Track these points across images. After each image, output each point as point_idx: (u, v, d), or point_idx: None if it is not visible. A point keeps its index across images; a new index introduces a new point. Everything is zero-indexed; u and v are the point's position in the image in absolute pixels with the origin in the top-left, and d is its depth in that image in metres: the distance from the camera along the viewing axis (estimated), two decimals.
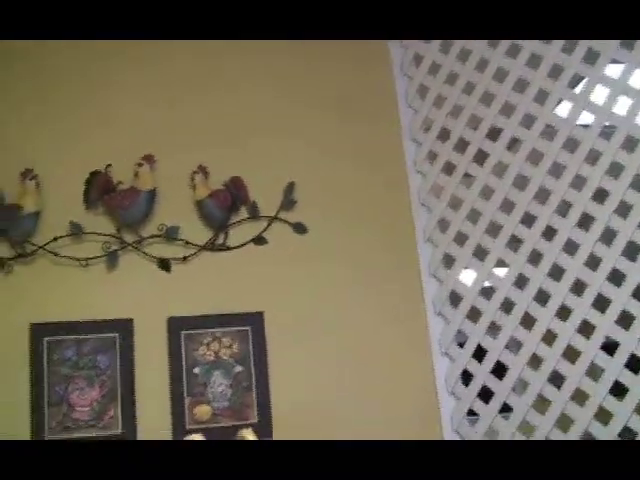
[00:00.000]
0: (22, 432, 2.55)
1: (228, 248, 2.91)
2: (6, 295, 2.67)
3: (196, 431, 2.52)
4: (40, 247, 2.72)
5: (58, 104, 2.90)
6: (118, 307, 2.73)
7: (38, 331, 2.64)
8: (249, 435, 1.53)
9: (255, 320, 2.81)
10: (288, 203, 3.00)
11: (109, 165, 2.85)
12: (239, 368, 2.76)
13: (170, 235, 2.85)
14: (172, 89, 3.03)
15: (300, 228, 2.99)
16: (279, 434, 2.66)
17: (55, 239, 2.73)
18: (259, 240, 2.94)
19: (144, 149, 2.87)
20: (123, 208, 2.81)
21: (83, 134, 2.89)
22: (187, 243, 2.86)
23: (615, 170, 2.58)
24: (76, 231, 2.77)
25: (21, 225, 2.71)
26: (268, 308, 2.84)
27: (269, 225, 2.96)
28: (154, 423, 2.65)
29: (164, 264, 2.82)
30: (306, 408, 2.75)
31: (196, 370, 2.73)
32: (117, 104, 2.95)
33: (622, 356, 2.46)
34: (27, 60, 2.90)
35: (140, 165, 2.85)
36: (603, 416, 2.46)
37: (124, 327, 2.71)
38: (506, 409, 2.67)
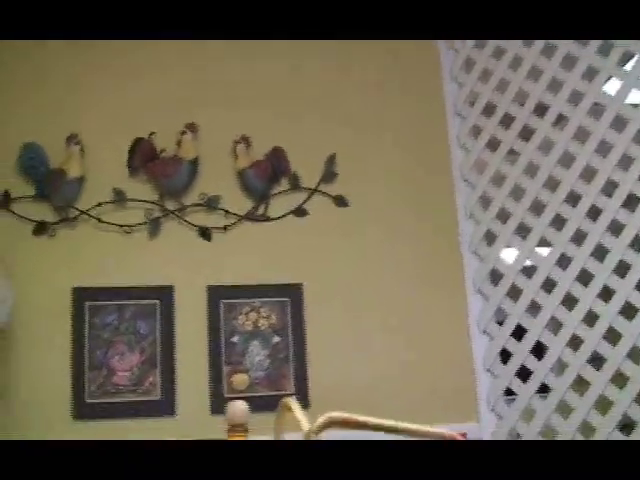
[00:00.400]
0: (63, 396, 2.60)
1: (268, 219, 2.91)
2: (49, 259, 2.71)
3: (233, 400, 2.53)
4: (83, 212, 2.75)
5: (105, 71, 2.91)
6: (159, 274, 2.76)
7: (80, 295, 2.67)
8: (293, 404, 1.52)
9: (294, 292, 2.82)
10: (329, 175, 2.98)
11: (153, 133, 2.86)
12: (277, 339, 2.77)
13: (211, 204, 2.86)
14: (217, 57, 3.01)
15: (341, 201, 2.98)
16: (316, 406, 2.67)
17: (99, 205, 2.76)
18: (299, 211, 2.94)
19: (187, 117, 2.87)
20: (165, 176, 2.82)
21: (128, 101, 2.89)
22: (228, 213, 2.86)
23: None
24: (119, 198, 2.79)
25: (65, 190, 2.73)
26: (307, 280, 2.85)
27: (309, 197, 2.95)
28: (192, 390, 2.68)
29: (205, 233, 2.83)
30: (343, 381, 2.76)
31: (235, 339, 2.75)
32: (161, 72, 2.95)
33: None
34: None
35: (183, 133, 2.86)
36: None
37: (165, 294, 2.73)
38: (544, 389, 2.65)
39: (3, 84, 2.81)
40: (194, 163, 2.85)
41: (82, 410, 2.60)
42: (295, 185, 2.95)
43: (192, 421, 2.62)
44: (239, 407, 1.87)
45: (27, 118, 2.80)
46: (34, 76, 2.85)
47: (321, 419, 1.33)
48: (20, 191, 2.74)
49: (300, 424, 1.45)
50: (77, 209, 2.75)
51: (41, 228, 2.72)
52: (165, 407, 2.64)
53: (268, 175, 2.91)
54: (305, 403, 2.69)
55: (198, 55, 2.99)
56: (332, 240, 2.93)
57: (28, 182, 2.75)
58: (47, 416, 2.57)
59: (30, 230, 2.71)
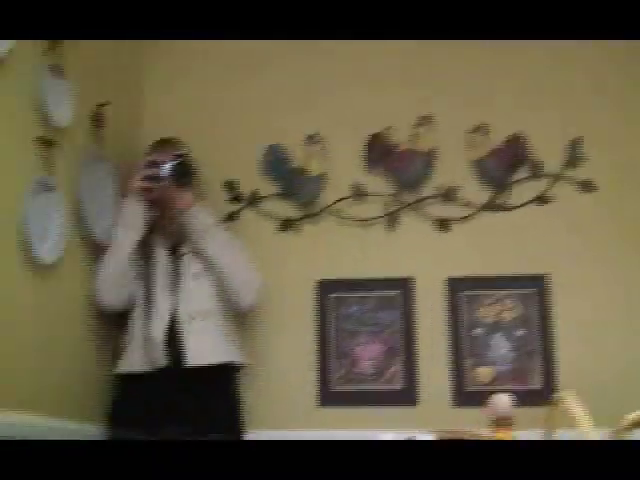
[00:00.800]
0: (308, 383, 2.70)
1: (509, 208, 2.80)
2: (295, 253, 2.83)
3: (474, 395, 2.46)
4: (326, 208, 2.84)
5: (338, 71, 2.97)
6: (399, 266, 2.77)
7: (324, 288, 2.77)
8: (569, 399, 1.42)
9: (539, 283, 2.70)
10: (573, 160, 2.81)
11: (389, 127, 2.87)
12: (522, 331, 2.67)
13: (449, 195, 2.82)
14: (451, 51, 2.94)
15: (587, 187, 2.79)
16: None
17: (340, 200, 2.83)
18: (542, 200, 2.80)
19: (422, 110, 2.86)
20: (402, 169, 2.83)
21: (362, 98, 2.94)
22: (466, 203, 2.80)
23: None
24: (358, 192, 2.84)
25: (307, 187, 2.84)
26: (553, 270, 2.71)
27: (553, 184, 2.80)
28: (433, 381, 2.66)
29: (443, 224, 2.80)
30: (593, 376, 2.57)
31: (476, 332, 2.68)
32: (393, 68, 2.96)
33: None
34: None
35: (418, 126, 2.85)
36: None
37: (405, 286, 2.74)
38: None
39: (243, 89, 2.98)
40: (430, 155, 2.83)
41: (328, 397, 2.68)
42: (536, 172, 2.82)
43: (433, 412, 2.61)
44: (504, 400, 1.83)
45: (269, 121, 2.95)
46: (271, 78, 2.99)
47: (633, 416, 1.22)
48: (266, 190, 2.89)
49: (578, 420, 1.34)
50: (319, 205, 2.84)
51: (286, 224, 2.85)
52: (407, 397, 2.65)
53: (507, 163, 2.81)
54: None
55: (432, 48, 2.93)
56: (578, 229, 2.76)
57: (273, 182, 2.89)
58: (295, 401, 2.69)
59: (276, 227, 2.85)
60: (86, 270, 2.44)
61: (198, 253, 2.51)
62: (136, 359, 2.42)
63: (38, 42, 2.17)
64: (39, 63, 2.17)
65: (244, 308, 2.55)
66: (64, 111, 2.28)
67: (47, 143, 2.17)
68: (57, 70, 2.25)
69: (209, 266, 2.50)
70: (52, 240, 2.18)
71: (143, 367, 2.40)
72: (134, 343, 2.45)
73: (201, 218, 2.50)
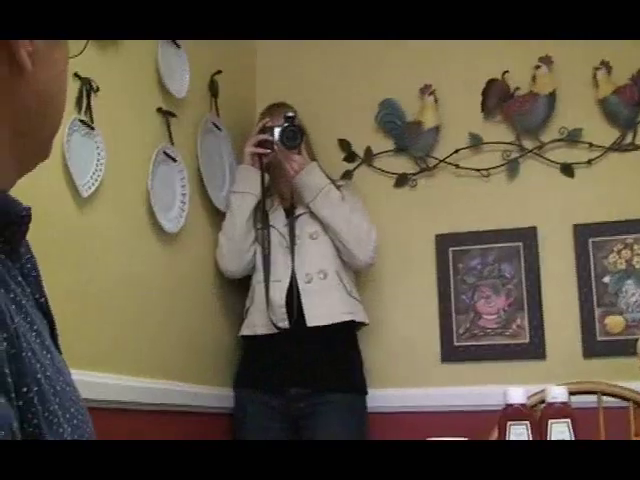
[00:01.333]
0: (432, 339, 2.70)
1: (637, 147, 2.66)
2: (412, 208, 2.81)
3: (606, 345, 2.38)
4: (442, 160, 2.79)
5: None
6: (521, 216, 2.70)
7: (443, 242, 2.74)
8: None
9: None
10: None
11: (506, 72, 2.78)
12: None
13: (572, 138, 2.70)
14: None
15: None
16: None
17: (456, 151, 2.78)
18: None
19: (541, 51, 2.74)
20: (522, 114, 2.74)
21: (476, 44, 2.84)
22: (591, 145, 2.68)
23: None
24: (475, 142, 2.78)
25: (423, 140, 2.80)
26: None
27: None
28: (562, 333, 2.59)
29: (567, 169, 2.70)
30: None
31: (606, 279, 2.58)
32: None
33: None
34: None
35: (537, 68, 2.74)
36: None
37: (528, 236, 2.67)
38: None
39: (352, 46, 2.95)
40: (551, 97, 2.72)
41: (451, 353, 2.67)
42: None
43: (563, 365, 2.54)
44: None
45: (381, 75, 2.91)
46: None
47: None
48: (380, 146, 2.87)
49: None
50: (435, 158, 2.80)
51: (402, 180, 2.83)
52: (534, 350, 2.59)
53: (635, 100, 2.66)
54: None
55: None
56: None
57: (387, 137, 2.87)
58: (417, 358, 2.69)
59: (392, 183, 2.84)
60: (209, 237, 2.52)
61: (314, 214, 2.54)
62: (258, 322, 2.48)
63: None
64: None
65: (361, 266, 2.56)
66: (181, 82, 2.35)
67: (167, 114, 2.26)
68: (172, 42, 2.32)
69: (324, 226, 2.52)
70: (176, 209, 2.28)
71: (265, 329, 2.46)
72: (255, 306, 2.50)
73: (314, 179, 2.51)
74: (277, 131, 2.51)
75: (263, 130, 2.55)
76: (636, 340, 2.26)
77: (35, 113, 0.73)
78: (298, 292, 2.46)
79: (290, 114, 2.52)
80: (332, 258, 2.52)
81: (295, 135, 2.50)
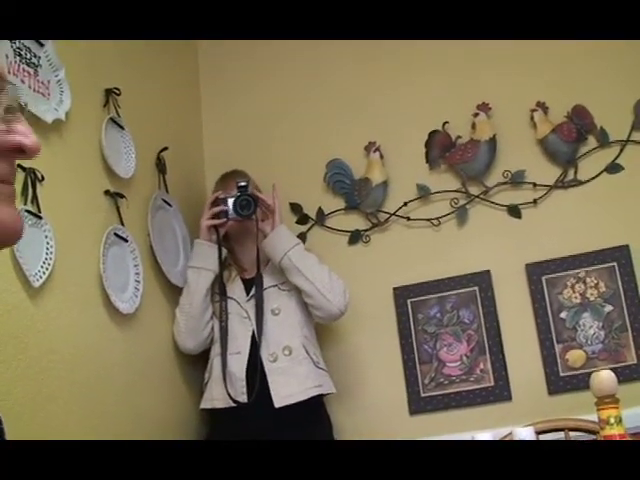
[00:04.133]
0: (398, 391, 2.70)
1: (580, 182, 2.74)
2: (367, 264, 2.84)
3: (569, 380, 2.40)
4: (392, 214, 2.85)
5: (387, 77, 2.99)
6: (474, 261, 2.74)
7: (401, 294, 2.77)
8: None
9: (619, 255, 2.61)
10: None
11: (446, 122, 2.86)
12: (609, 307, 2.59)
13: (516, 180, 2.77)
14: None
15: None
16: None
17: (405, 204, 2.83)
18: (613, 168, 2.72)
19: (477, 98, 2.82)
20: (465, 162, 2.80)
21: (416, 98, 2.93)
22: (535, 185, 2.75)
23: None
24: (423, 193, 2.84)
25: (372, 196, 2.86)
26: (633, 240, 2.62)
27: (622, 150, 2.72)
28: (526, 373, 2.61)
29: (514, 211, 2.76)
30: None
31: (563, 314, 2.62)
32: (439, 62, 2.94)
33: None
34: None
35: (476, 115, 2.82)
36: None
37: (482, 279, 2.71)
38: None
39: (295, 112, 3.02)
40: (492, 142, 2.79)
41: (418, 404, 2.67)
42: (604, 140, 2.74)
43: (529, 404, 2.55)
44: (606, 377, 1.76)
45: (327, 136, 2.98)
46: (325, 95, 3.03)
47: None
48: (331, 206, 2.92)
49: None
50: (386, 212, 2.85)
51: (355, 236, 2.87)
52: (499, 393, 2.61)
53: (573, 136, 2.74)
54: None
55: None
56: None
57: (337, 196, 2.92)
58: (385, 413, 2.69)
59: (346, 240, 2.88)
60: (167, 313, 2.52)
61: (275, 289, 2.55)
62: (216, 395, 2.46)
63: (96, 97, 2.29)
64: (99, 118, 2.27)
65: (335, 315, 2.52)
66: (127, 163, 2.39)
67: (115, 195, 2.28)
68: (116, 122, 2.35)
69: (297, 279, 2.50)
70: (131, 289, 2.28)
71: (223, 403, 2.43)
72: (213, 379, 2.48)
73: (286, 237, 2.54)
74: (230, 201, 2.55)
75: (216, 202, 2.58)
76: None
77: None
78: (262, 369, 2.42)
79: (242, 183, 2.55)
80: (296, 332, 2.51)
81: (249, 203, 2.54)
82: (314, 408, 2.48)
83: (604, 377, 1.76)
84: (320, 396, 2.50)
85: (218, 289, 2.57)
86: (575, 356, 2.58)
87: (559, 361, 2.58)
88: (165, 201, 2.61)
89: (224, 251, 2.60)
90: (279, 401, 2.39)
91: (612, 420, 1.70)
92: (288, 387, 2.41)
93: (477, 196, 2.79)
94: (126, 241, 2.29)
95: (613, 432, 1.68)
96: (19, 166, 1.87)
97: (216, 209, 2.56)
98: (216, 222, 2.56)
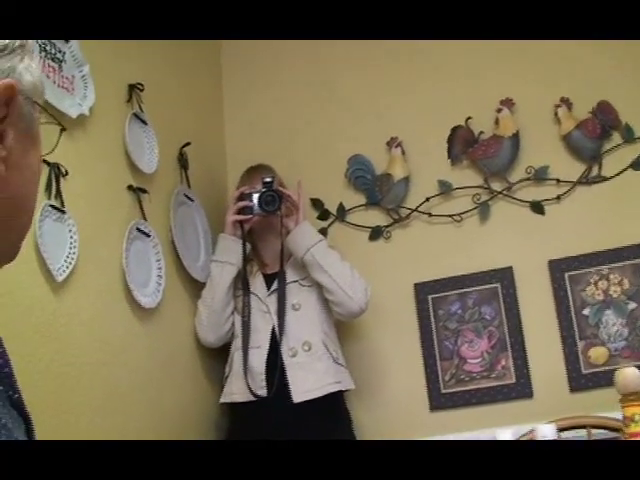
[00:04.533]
0: (419, 388, 2.69)
1: (604, 179, 2.71)
2: (388, 260, 2.84)
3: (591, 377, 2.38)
4: (414, 210, 2.84)
5: (410, 73, 2.98)
6: (496, 257, 2.73)
7: (422, 290, 2.76)
8: None
9: None
10: None
11: (469, 118, 2.84)
12: (633, 305, 2.56)
13: (540, 176, 2.75)
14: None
15: None
16: None
17: (427, 200, 2.82)
18: (638, 164, 2.69)
19: (501, 94, 2.80)
20: (488, 157, 2.79)
21: (439, 92, 2.92)
22: (559, 181, 2.73)
23: None
24: (445, 189, 2.83)
25: (393, 192, 2.85)
26: None
27: None
28: (547, 370, 2.60)
29: (537, 207, 2.74)
30: None
31: (585, 311, 2.60)
32: (464, 55, 2.92)
33: None
34: None
35: (499, 111, 2.81)
36: None
37: (504, 276, 2.70)
38: None
39: (318, 107, 3.03)
40: (515, 138, 2.77)
41: (439, 401, 2.67)
42: (629, 136, 2.71)
43: (550, 402, 2.54)
44: (631, 374, 1.75)
45: (348, 131, 2.98)
46: (343, 93, 3.03)
47: None
48: (352, 201, 2.92)
49: None
50: (408, 208, 2.85)
51: (376, 233, 2.87)
52: (521, 390, 2.59)
53: (598, 132, 2.71)
54: None
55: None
56: None
57: (358, 192, 2.92)
58: (406, 409, 2.69)
59: (367, 236, 2.88)
60: (188, 308, 2.54)
61: (296, 284, 2.56)
62: (236, 389, 2.47)
63: (120, 93, 2.31)
64: (123, 113, 2.29)
65: (356, 312, 2.52)
66: (150, 158, 2.40)
67: (138, 190, 2.29)
68: (139, 118, 2.37)
69: (318, 275, 2.50)
70: (153, 284, 2.30)
71: (243, 397, 2.44)
72: (234, 373, 2.49)
73: (309, 233, 2.55)
74: (255, 197, 2.55)
75: (241, 197, 2.58)
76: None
77: (6, 216, 0.74)
78: (282, 363, 2.43)
79: (268, 179, 2.56)
80: (316, 327, 2.51)
81: (274, 199, 2.54)
82: (333, 404, 2.47)
83: (629, 374, 1.75)
84: (340, 392, 2.50)
85: (241, 284, 2.58)
86: (597, 353, 2.56)
87: (581, 358, 2.56)
88: (187, 196, 2.62)
89: (248, 246, 2.60)
90: (298, 396, 2.40)
91: (637, 417, 1.69)
92: (307, 382, 2.41)
93: (500, 192, 2.78)
94: (148, 236, 2.31)
95: (638, 429, 1.67)
96: (44, 161, 1.89)
97: (241, 204, 2.57)
98: (241, 217, 2.57)
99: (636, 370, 1.74)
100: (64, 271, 1.90)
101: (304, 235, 2.53)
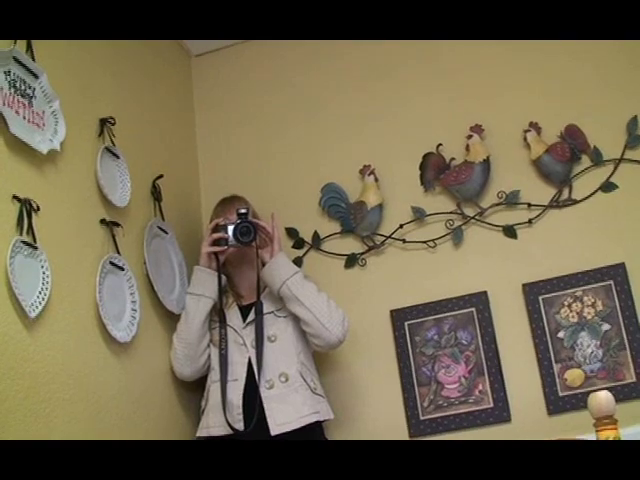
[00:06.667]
0: (398, 414, 2.69)
1: (575, 202, 2.74)
2: (364, 287, 2.85)
3: (568, 399, 2.39)
4: (388, 237, 2.85)
5: (380, 101, 3.01)
6: (470, 282, 2.74)
7: (398, 317, 2.76)
8: None
9: (617, 273, 2.61)
10: (634, 140, 2.73)
11: (440, 144, 2.87)
12: (607, 326, 2.59)
13: (511, 201, 2.78)
14: (486, 54, 2.94)
15: None
16: None
17: (401, 226, 2.84)
18: (608, 187, 2.72)
19: (470, 120, 2.84)
20: (460, 183, 2.81)
21: (410, 121, 2.95)
22: (530, 205, 2.76)
23: None
24: (418, 215, 2.85)
25: (367, 219, 2.86)
26: (629, 259, 2.62)
27: (616, 168, 2.73)
28: (524, 393, 2.60)
29: (510, 231, 2.76)
30: None
31: (560, 334, 2.62)
32: (437, 84, 2.96)
33: None
34: (339, 58, 3.06)
35: (470, 137, 2.84)
36: None
37: (479, 300, 2.71)
38: None
39: (297, 133, 3.04)
40: (486, 163, 2.80)
41: (417, 428, 2.66)
42: (598, 159, 2.75)
43: (528, 425, 2.55)
44: (604, 397, 1.76)
45: (321, 160, 3.01)
46: (319, 119, 3.06)
47: None
48: (327, 230, 2.93)
49: None
50: (382, 235, 2.86)
51: (351, 260, 2.88)
52: (499, 414, 2.59)
53: (567, 156, 2.75)
54: None
55: (468, 57, 2.94)
56: None
57: (333, 220, 2.94)
58: (384, 437, 2.62)
59: (342, 264, 2.88)
60: (164, 341, 2.52)
61: (271, 316, 2.55)
62: (213, 422, 2.44)
63: (91, 127, 2.31)
64: (94, 147, 2.29)
65: (334, 344, 2.50)
66: (123, 191, 2.40)
67: (111, 224, 2.29)
68: (111, 151, 2.37)
69: (296, 310, 2.49)
70: (127, 317, 2.28)
71: (220, 430, 2.42)
72: (210, 407, 2.47)
73: (285, 265, 2.53)
74: (230, 228, 2.54)
75: (216, 229, 2.57)
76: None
77: None
78: (260, 397, 2.41)
79: (242, 210, 2.55)
80: (292, 358, 2.50)
81: (249, 231, 2.53)
82: (312, 435, 2.45)
83: (602, 398, 1.76)
84: (318, 422, 2.48)
85: (218, 316, 2.56)
86: (574, 375, 2.57)
87: (558, 381, 2.57)
88: (161, 228, 2.62)
89: (223, 278, 2.59)
90: (275, 429, 2.38)
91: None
92: (284, 414, 2.39)
93: (472, 217, 2.80)
94: (122, 269, 2.30)
95: None
96: (14, 197, 1.88)
97: (216, 235, 2.56)
98: (216, 249, 2.56)
99: (608, 394, 1.75)
100: (37, 307, 1.88)
101: (279, 268, 2.52)
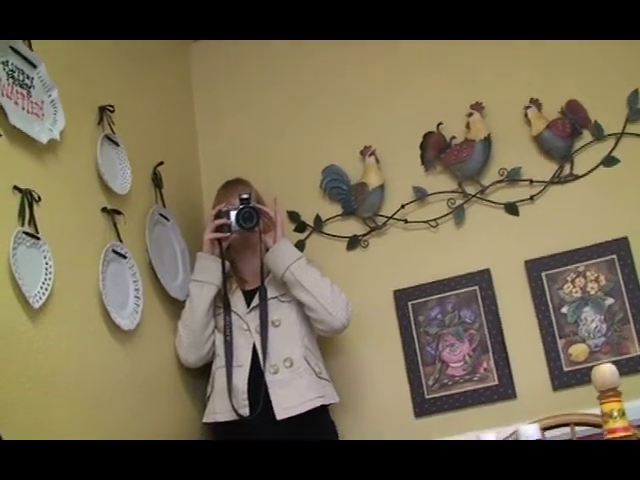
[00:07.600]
0: (403, 394, 2.71)
1: (576, 177, 2.74)
2: (367, 268, 2.85)
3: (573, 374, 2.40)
4: (390, 217, 2.86)
5: (380, 81, 3.01)
6: (473, 260, 2.74)
7: (402, 297, 2.77)
8: None
9: (619, 247, 2.61)
10: (635, 114, 2.71)
11: (440, 123, 2.86)
12: (610, 301, 2.59)
13: (513, 177, 2.78)
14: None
15: None
16: None
17: (402, 207, 2.84)
18: (609, 161, 2.72)
19: (470, 98, 2.83)
20: (461, 162, 2.81)
21: (410, 100, 2.94)
22: (532, 182, 2.76)
23: None
24: (420, 195, 2.84)
25: (369, 201, 2.86)
26: (632, 233, 2.62)
27: (617, 143, 2.72)
28: (529, 370, 2.61)
29: (511, 208, 2.76)
30: None
31: (564, 309, 2.62)
32: (435, 63, 2.95)
33: None
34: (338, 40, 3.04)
35: (470, 115, 2.83)
36: None
37: (482, 278, 2.72)
38: None
39: (297, 116, 3.04)
40: (487, 141, 2.80)
41: (423, 407, 2.68)
42: (599, 134, 2.74)
43: (534, 401, 2.56)
44: (607, 370, 1.77)
45: (321, 142, 3.00)
46: (318, 101, 3.05)
47: None
48: (329, 212, 2.93)
49: None
50: (384, 216, 2.86)
51: (354, 242, 2.88)
52: (504, 391, 2.61)
53: (568, 132, 2.74)
54: None
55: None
56: None
57: (334, 202, 2.94)
58: (391, 418, 2.69)
59: (344, 246, 2.89)
60: (168, 327, 2.53)
61: (275, 301, 2.55)
62: (219, 408, 2.45)
63: (90, 115, 2.31)
64: (94, 136, 2.29)
65: (338, 329, 2.50)
66: (124, 179, 2.40)
67: (113, 212, 2.29)
68: (111, 139, 2.37)
69: (299, 292, 2.49)
70: (131, 305, 2.29)
71: (226, 416, 2.42)
72: (216, 392, 2.48)
73: (289, 251, 2.53)
74: (233, 214, 2.54)
75: (219, 215, 2.57)
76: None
77: None
78: (265, 382, 2.41)
79: (245, 195, 2.55)
80: (297, 343, 2.50)
81: (251, 216, 2.52)
82: (318, 419, 2.46)
83: (605, 371, 1.76)
84: (324, 406, 2.49)
85: (222, 302, 2.56)
86: (578, 350, 2.58)
87: (562, 356, 2.58)
88: (162, 215, 2.62)
89: (227, 264, 2.60)
90: (280, 413, 2.38)
91: (615, 414, 1.70)
92: (289, 399, 2.40)
93: (474, 195, 2.80)
94: (125, 257, 2.30)
95: (617, 425, 1.68)
96: (15, 187, 1.89)
97: (219, 221, 2.55)
98: (219, 235, 2.56)
99: (612, 366, 1.76)
100: (41, 297, 1.89)
101: (283, 253, 2.52)
